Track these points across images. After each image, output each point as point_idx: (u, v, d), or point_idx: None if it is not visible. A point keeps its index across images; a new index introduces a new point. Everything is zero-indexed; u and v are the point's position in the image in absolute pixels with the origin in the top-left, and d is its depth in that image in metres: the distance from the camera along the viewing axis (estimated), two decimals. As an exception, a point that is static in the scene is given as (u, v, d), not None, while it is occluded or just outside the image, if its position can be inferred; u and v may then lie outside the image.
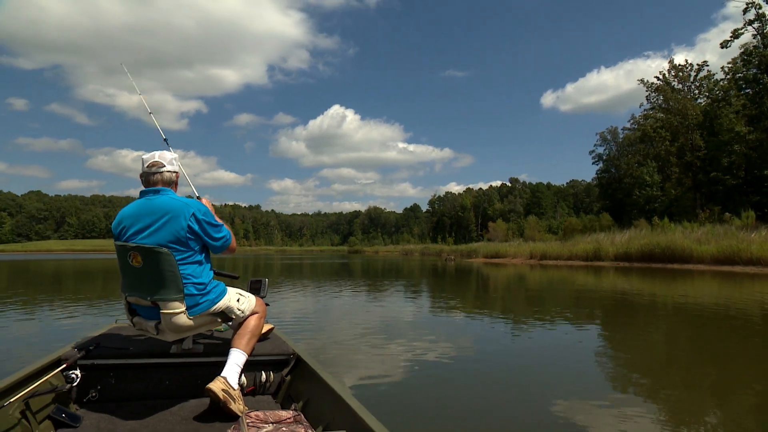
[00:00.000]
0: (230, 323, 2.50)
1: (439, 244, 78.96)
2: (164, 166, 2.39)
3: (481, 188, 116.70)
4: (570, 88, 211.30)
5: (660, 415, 3.32)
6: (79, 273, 22.17)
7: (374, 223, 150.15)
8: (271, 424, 1.86)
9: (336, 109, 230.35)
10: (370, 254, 79.97)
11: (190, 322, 2.27)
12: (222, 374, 2.24)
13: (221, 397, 2.14)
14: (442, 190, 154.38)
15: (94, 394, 2.40)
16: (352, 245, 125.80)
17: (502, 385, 4.07)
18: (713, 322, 7.33)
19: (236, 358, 2.33)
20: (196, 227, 2.28)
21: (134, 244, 2.23)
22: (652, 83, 41.97)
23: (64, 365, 2.31)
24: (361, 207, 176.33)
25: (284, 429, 1.82)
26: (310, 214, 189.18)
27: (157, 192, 2.34)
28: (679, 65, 41.33)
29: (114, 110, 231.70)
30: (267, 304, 2.73)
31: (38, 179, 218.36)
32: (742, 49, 32.45)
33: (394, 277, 19.78)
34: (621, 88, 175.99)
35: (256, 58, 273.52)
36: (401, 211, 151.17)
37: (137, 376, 2.51)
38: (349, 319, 7.68)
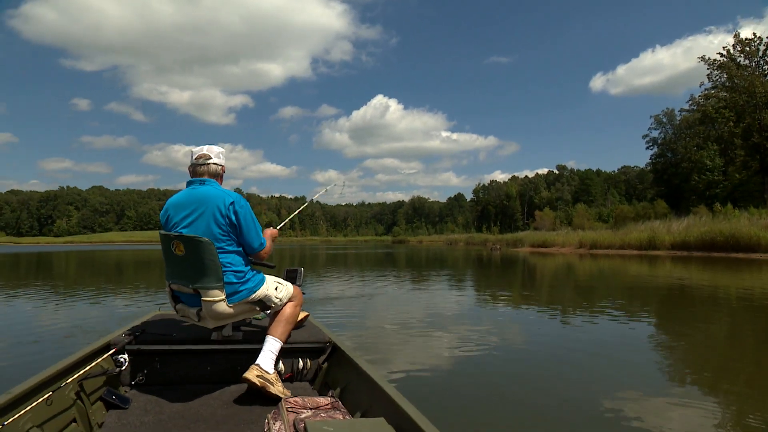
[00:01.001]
0: (268, 311, 2.53)
1: (484, 233, 77.67)
2: (211, 158, 2.46)
3: (527, 176, 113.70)
4: (621, 69, 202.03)
5: (722, 413, 3.08)
6: (138, 263, 23.44)
7: (418, 213, 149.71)
8: (309, 410, 1.87)
9: (379, 100, 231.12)
10: (414, 244, 79.91)
11: (230, 310, 2.32)
12: (256, 362, 2.29)
13: (258, 383, 2.20)
14: (486, 179, 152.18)
15: (141, 378, 2.51)
16: (396, 235, 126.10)
17: (548, 377, 3.90)
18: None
19: (270, 346, 2.37)
20: (233, 218, 2.32)
21: (176, 233, 2.29)
22: (715, 60, 39.27)
23: (114, 350, 2.43)
24: (404, 197, 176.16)
25: (323, 415, 1.83)
26: (354, 204, 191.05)
27: (203, 183, 2.41)
28: (746, 39, 38.35)
29: (167, 107, 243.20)
30: (304, 293, 2.75)
31: (100, 175, 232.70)
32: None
33: (438, 266, 19.64)
34: (678, 68, 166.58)
35: (300, 51, 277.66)
36: (445, 201, 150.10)
37: (180, 361, 2.60)
38: (392, 308, 7.66)
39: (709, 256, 21.30)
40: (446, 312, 7.21)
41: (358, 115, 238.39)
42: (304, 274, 3.04)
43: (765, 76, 37.77)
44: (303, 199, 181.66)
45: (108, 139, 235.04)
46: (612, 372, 3.99)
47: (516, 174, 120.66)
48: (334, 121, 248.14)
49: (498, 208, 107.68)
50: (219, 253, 2.26)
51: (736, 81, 37.73)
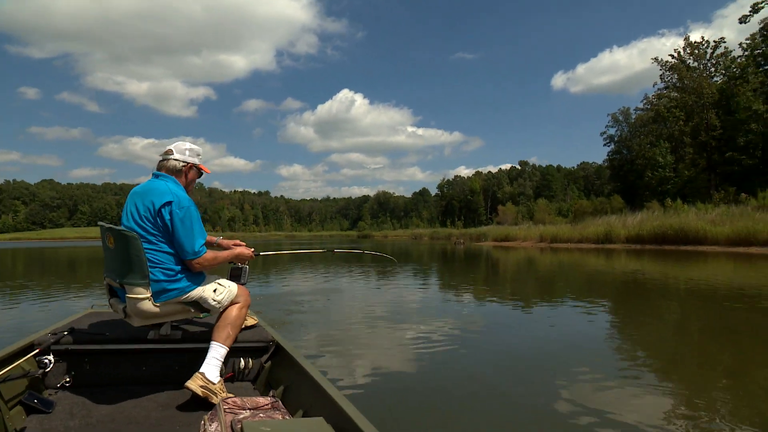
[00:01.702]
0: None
1: (449, 228, 78.68)
2: (173, 154, 2.42)
3: (490, 171, 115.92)
4: (581, 68, 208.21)
5: (672, 395, 3.19)
6: (91, 260, 22.41)
7: (383, 208, 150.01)
8: (248, 410, 1.83)
9: (345, 94, 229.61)
10: (379, 239, 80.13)
11: (156, 309, 2.22)
12: (201, 370, 2.19)
13: (201, 393, 2.12)
14: (451, 174, 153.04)
15: (68, 380, 2.36)
16: (361, 230, 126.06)
17: (503, 372, 3.93)
18: (727, 303, 7.13)
19: (215, 352, 2.27)
20: (166, 218, 2.22)
21: (108, 226, 2.24)
22: (667, 62, 40.96)
23: (37, 350, 2.28)
24: (370, 192, 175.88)
25: (261, 415, 1.79)
26: (319, 199, 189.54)
27: (157, 176, 2.36)
28: (695, 42, 40.18)
29: (123, 98, 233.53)
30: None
31: (51, 168, 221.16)
32: (762, 24, 31.46)
33: (403, 260, 19.69)
34: (634, 68, 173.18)
35: (264, 43, 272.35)
36: (410, 196, 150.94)
37: (113, 362, 2.47)
38: (352, 304, 7.60)
39: (661, 249, 22.30)
40: (407, 308, 7.20)
41: (323, 109, 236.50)
42: (251, 272, 2.90)
43: (712, 78, 39.77)
44: (267, 194, 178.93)
45: (59, 130, 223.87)
46: (569, 362, 4.04)
47: (480, 169, 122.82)
48: (299, 114, 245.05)
49: (462, 203, 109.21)
50: (150, 249, 2.19)
51: (686, 82, 39.52)
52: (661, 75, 41.79)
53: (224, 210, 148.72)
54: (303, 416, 1.94)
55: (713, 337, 5.20)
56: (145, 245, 2.19)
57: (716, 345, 4.86)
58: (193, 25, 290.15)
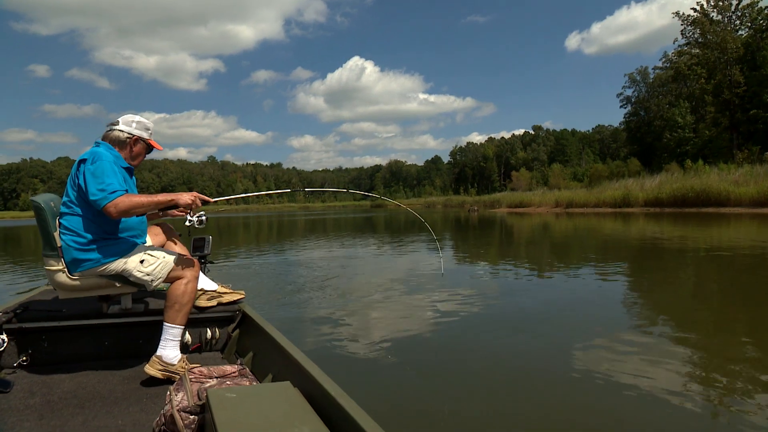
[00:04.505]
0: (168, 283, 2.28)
1: (462, 195, 78.16)
2: (117, 124, 2.36)
3: (503, 137, 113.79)
4: (596, 27, 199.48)
5: (690, 359, 3.12)
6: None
7: (396, 177, 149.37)
8: (215, 379, 1.80)
9: (355, 61, 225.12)
10: (392, 208, 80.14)
11: (74, 282, 2.17)
12: (156, 353, 2.15)
13: (162, 377, 2.10)
14: (463, 141, 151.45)
15: (24, 359, 2.34)
16: (374, 200, 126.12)
17: (521, 337, 3.87)
18: (749, 266, 6.95)
19: (168, 333, 2.18)
20: (80, 178, 2.15)
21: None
22: (689, 16, 39.16)
23: None
24: (382, 161, 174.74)
25: (228, 382, 1.78)
26: (331, 169, 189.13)
27: (95, 144, 2.31)
28: (720, -6, 38.23)
29: (132, 73, 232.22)
30: (211, 262, 2.58)
31: (66, 145, 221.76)
32: (792, -28, 29.70)
33: (417, 230, 19.65)
34: (653, 25, 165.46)
35: (272, 11, 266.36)
36: (422, 164, 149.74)
37: (72, 338, 2.44)
38: (361, 272, 7.57)
39: (681, 212, 21.87)
40: (416, 276, 7.14)
41: (333, 78, 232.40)
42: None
43: (736, 31, 38.00)
44: (279, 166, 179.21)
45: (71, 107, 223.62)
46: (584, 326, 3.96)
47: (493, 135, 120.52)
48: (309, 84, 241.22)
49: (475, 170, 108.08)
50: (67, 214, 2.16)
51: (708, 37, 37.87)
52: (682, 30, 40.08)
53: (237, 183, 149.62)
54: (270, 381, 1.92)
55: (732, 301, 5.07)
56: (63, 210, 2.17)
57: (735, 308, 4.73)
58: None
